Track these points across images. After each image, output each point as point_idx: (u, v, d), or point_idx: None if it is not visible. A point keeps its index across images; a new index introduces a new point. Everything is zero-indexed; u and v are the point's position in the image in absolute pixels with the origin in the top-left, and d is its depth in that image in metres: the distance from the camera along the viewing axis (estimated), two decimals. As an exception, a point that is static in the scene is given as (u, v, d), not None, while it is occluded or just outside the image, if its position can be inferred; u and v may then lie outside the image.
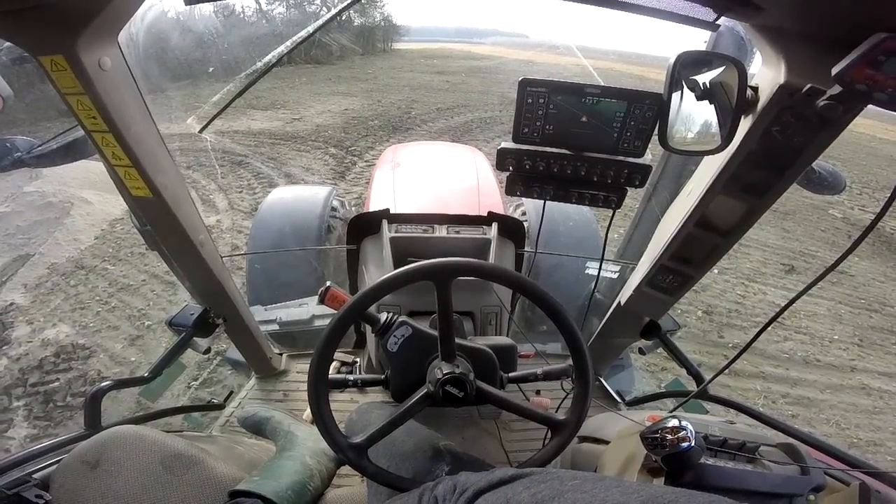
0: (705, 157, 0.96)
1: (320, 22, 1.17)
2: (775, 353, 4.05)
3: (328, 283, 1.05)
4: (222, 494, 1.02)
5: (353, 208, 3.37)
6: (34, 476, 1.13)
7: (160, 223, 1.13)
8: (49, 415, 3.49)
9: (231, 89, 1.20)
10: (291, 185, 5.15)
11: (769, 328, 0.87)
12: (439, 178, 2.74)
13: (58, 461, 1.22)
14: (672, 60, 0.75)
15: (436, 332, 0.87)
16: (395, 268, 1.36)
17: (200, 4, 0.83)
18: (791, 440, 0.87)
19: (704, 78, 0.79)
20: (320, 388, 0.82)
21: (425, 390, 0.84)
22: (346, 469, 1.12)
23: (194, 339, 1.56)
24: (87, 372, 3.81)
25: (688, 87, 0.79)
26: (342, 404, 1.79)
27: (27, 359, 3.96)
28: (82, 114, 0.83)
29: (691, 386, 1.47)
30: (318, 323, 2.23)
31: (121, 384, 1.40)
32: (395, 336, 0.89)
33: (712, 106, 0.80)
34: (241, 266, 3.09)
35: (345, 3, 1.21)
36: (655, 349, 1.55)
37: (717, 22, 0.88)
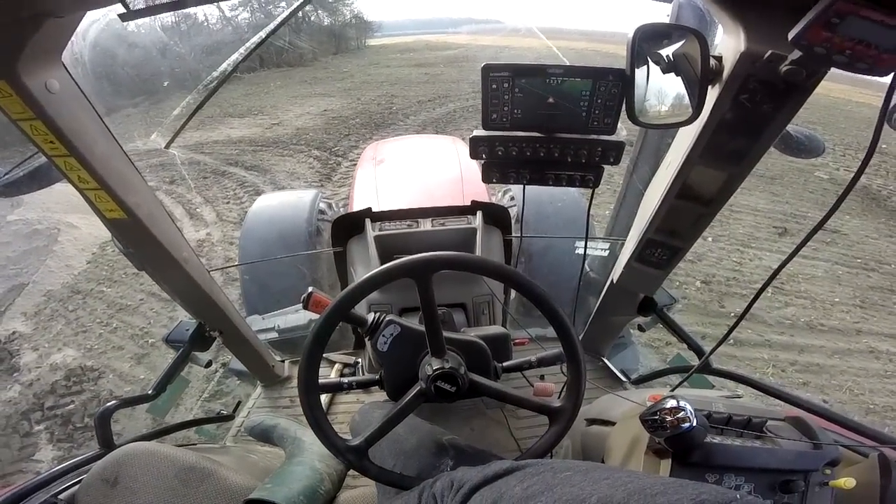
0: (680, 129, 0.95)
1: (273, 25, 1.15)
2: (778, 319, 4.04)
3: (310, 289, 1.04)
4: (237, 503, 1.05)
5: (341, 209, 3.33)
6: (60, 497, 1.15)
7: (139, 243, 1.11)
8: (70, 436, 3.54)
9: (191, 101, 1.17)
10: (276, 192, 5.13)
11: (768, 293, 0.86)
12: (422, 171, 2.71)
13: (79, 481, 1.26)
14: (631, 35, 0.74)
15: (421, 329, 0.87)
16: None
17: (140, 19, 0.80)
18: (800, 412, 0.85)
19: (667, 51, 0.78)
20: (311, 394, 0.82)
21: (419, 387, 0.84)
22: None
23: (194, 353, 1.55)
24: (99, 392, 3.84)
25: (652, 61, 0.78)
26: (349, 405, 1.79)
27: (39, 384, 3.99)
28: (39, 139, 0.81)
29: (694, 361, 1.46)
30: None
31: (127, 403, 1.39)
32: (383, 335, 0.89)
33: (679, 78, 0.79)
34: (236, 278, 3.08)
35: (295, 5, 1.18)
36: (654, 325, 1.55)
37: (673, -6, 0.86)
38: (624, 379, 1.80)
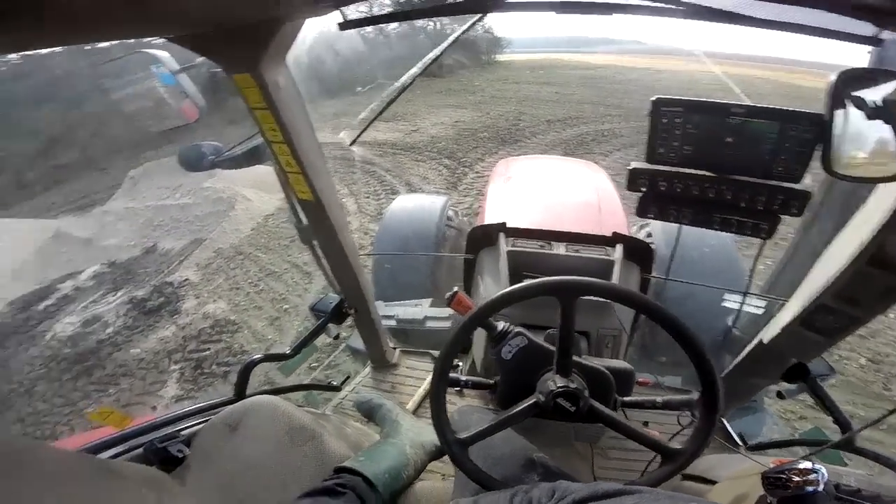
0: (880, 185, 0.84)
1: (447, 42, 1.26)
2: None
3: (455, 288, 1.09)
4: (329, 469, 1.14)
5: (465, 218, 3.47)
6: (182, 433, 1.39)
7: (317, 222, 1.30)
8: (195, 380, 4.23)
9: (374, 107, 1.34)
10: (413, 194, 5.53)
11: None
12: (555, 193, 2.68)
13: (203, 422, 1.47)
14: (832, 79, 0.68)
15: (550, 346, 0.87)
16: (511, 281, 1.33)
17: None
18: None
19: (874, 95, 0.69)
20: (441, 386, 0.87)
21: (534, 400, 0.84)
22: (432, 465, 1.19)
23: (329, 324, 1.73)
24: (232, 345, 4.54)
25: (854, 106, 0.71)
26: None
27: (189, 328, 4.87)
28: (265, 126, 1.00)
29: (834, 438, 1.26)
30: (429, 324, 2.30)
31: (268, 358, 1.61)
32: (509, 345, 0.90)
33: (888, 126, 0.70)
34: (366, 264, 3.42)
35: (468, 23, 1.29)
36: (798, 394, 1.36)
37: (881, 36, 0.77)
38: (740, 443, 1.62)
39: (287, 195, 1.48)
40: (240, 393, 1.55)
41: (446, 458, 0.95)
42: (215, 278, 5.63)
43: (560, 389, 0.80)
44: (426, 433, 1.18)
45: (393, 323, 2.34)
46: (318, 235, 1.38)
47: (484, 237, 1.69)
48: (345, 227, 1.37)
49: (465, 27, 1.55)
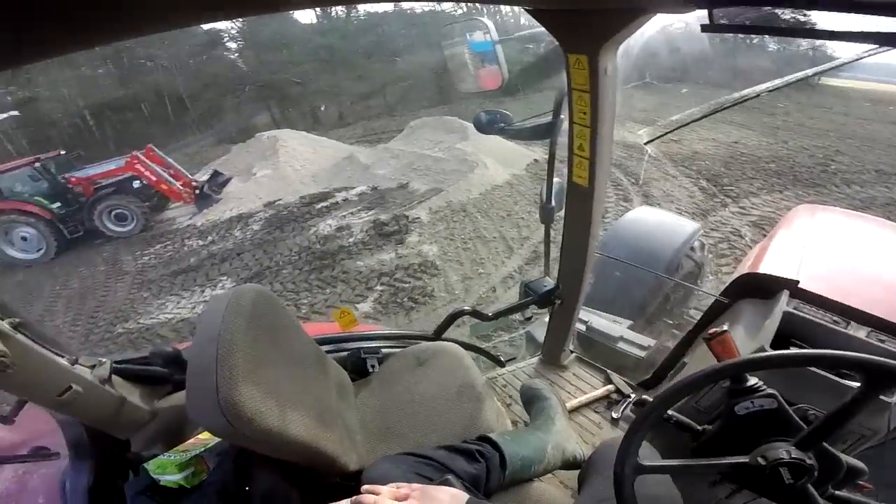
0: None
1: (827, 67, 0.98)
2: None
3: (725, 328, 0.95)
4: (472, 432, 1.20)
5: (709, 255, 3.03)
6: (381, 350, 1.58)
7: (577, 208, 1.27)
8: (387, 305, 4.86)
9: (693, 113, 1.19)
10: (657, 209, 5.05)
11: None
12: (872, 264, 1.98)
13: (400, 347, 1.65)
14: None
15: (799, 420, 0.81)
16: (774, 345, 1.16)
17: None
18: None
19: None
20: (658, 409, 0.82)
21: (745, 460, 0.79)
22: (558, 471, 1.21)
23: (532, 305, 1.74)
24: (426, 287, 5.05)
25: None
26: (588, 423, 1.69)
27: (404, 259, 5.64)
28: (577, 107, 1.01)
29: None
30: (620, 345, 2.17)
31: (473, 314, 1.70)
32: (752, 402, 0.84)
33: None
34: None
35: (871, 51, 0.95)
36: None
37: None
38: None
39: (549, 173, 1.50)
40: (439, 333, 1.70)
41: (573, 472, 0.99)
42: (438, 225, 6.41)
43: (792, 460, 0.76)
44: (571, 441, 1.24)
45: (583, 328, 2.26)
46: (569, 221, 1.36)
47: (758, 287, 1.40)
48: (599, 221, 1.31)
49: (862, 55, 1.21)
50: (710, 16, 0.78)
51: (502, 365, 2.04)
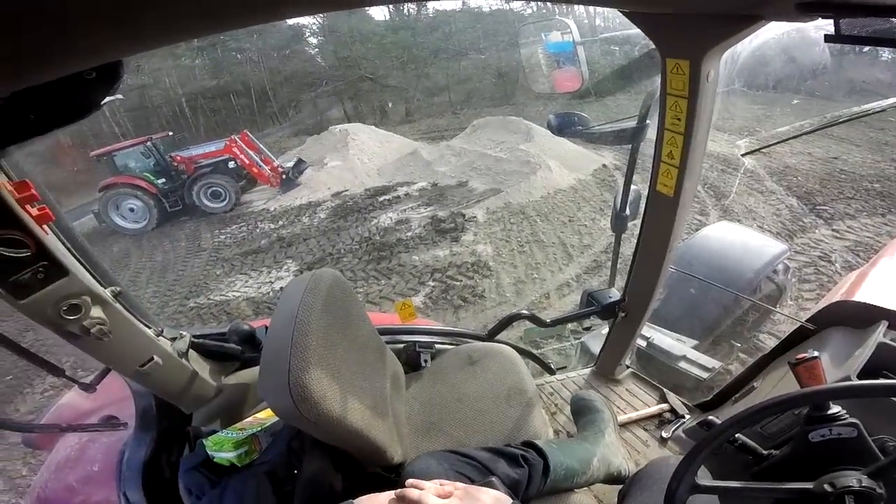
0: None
1: None
2: None
3: (815, 353, 0.89)
4: (516, 437, 1.20)
5: (792, 279, 2.77)
6: (435, 346, 1.58)
7: (658, 218, 1.21)
8: (436, 301, 4.94)
9: (799, 127, 1.09)
10: (738, 225, 4.71)
11: None
12: None
13: (452, 344, 1.66)
14: None
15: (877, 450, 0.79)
16: (862, 376, 1.10)
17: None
18: None
19: None
20: (734, 430, 0.80)
21: (810, 486, 0.78)
22: (598, 486, 1.20)
23: (593, 316, 1.69)
24: (476, 287, 5.05)
25: None
26: (634, 440, 1.63)
27: (457, 257, 5.68)
28: (671, 113, 0.95)
29: None
30: (682, 364, 2.11)
31: (532, 318, 1.69)
32: (829, 430, 0.82)
33: None
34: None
35: None
36: None
37: None
38: None
39: (627, 180, 1.44)
40: (493, 334, 1.69)
41: (615, 487, 0.99)
42: (495, 226, 6.38)
43: (862, 489, 0.74)
44: (618, 456, 1.23)
45: (643, 343, 2.20)
46: (647, 232, 1.29)
47: (851, 315, 1.28)
48: (680, 235, 1.24)
49: None
50: (837, 26, 0.72)
51: (552, 373, 2.01)
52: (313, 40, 19.63)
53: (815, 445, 0.83)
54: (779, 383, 1.29)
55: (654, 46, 0.94)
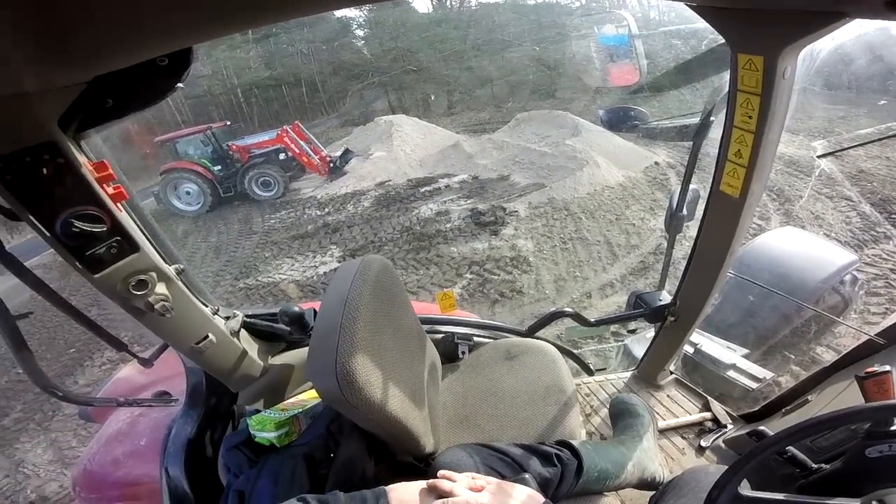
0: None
1: None
2: None
3: (887, 368, 0.85)
4: (550, 435, 1.19)
5: (860, 291, 2.58)
6: (473, 338, 1.59)
7: (720, 220, 1.17)
8: (473, 294, 4.94)
9: (885, 129, 1.01)
10: (804, 231, 4.43)
11: None
12: None
13: (493, 338, 1.64)
14: None
15: None
16: None
17: None
18: None
19: None
20: (788, 442, 0.78)
21: (857, 503, 0.75)
22: (628, 491, 1.18)
23: (640, 318, 1.64)
24: (515, 282, 5.00)
25: None
26: (671, 447, 1.59)
27: (496, 251, 5.66)
28: (741, 111, 0.91)
29: None
30: (730, 373, 2.04)
31: (575, 317, 1.67)
32: (888, 447, 0.79)
33: None
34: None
35: None
36: None
37: None
38: None
39: (686, 179, 1.39)
40: (533, 331, 1.69)
41: (645, 493, 0.99)
42: (536, 221, 6.29)
43: None
44: (654, 462, 1.20)
45: (690, 349, 2.14)
46: (706, 234, 1.24)
47: None
48: (742, 238, 1.19)
49: None
50: None
51: (591, 373, 1.97)
52: (360, 33, 19.97)
53: (871, 461, 0.81)
54: (837, 397, 1.22)
55: (722, 41, 0.91)
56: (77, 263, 0.75)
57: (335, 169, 9.77)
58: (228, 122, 11.56)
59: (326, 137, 13.98)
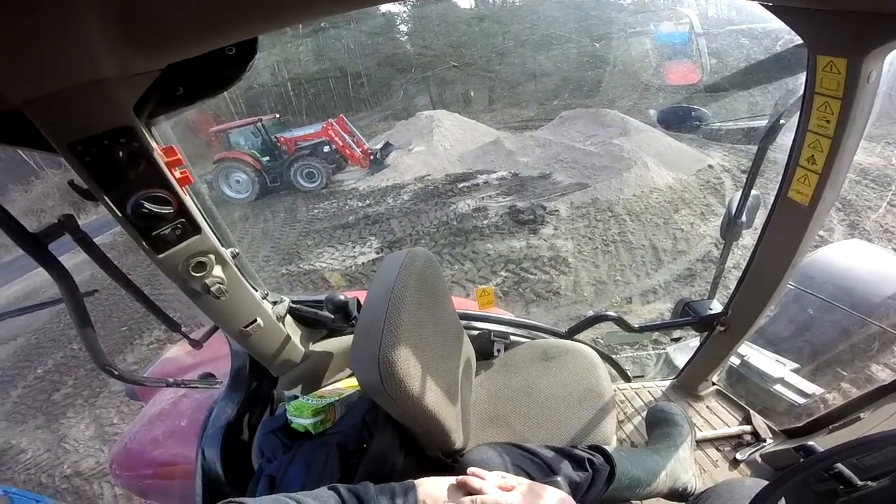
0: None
1: None
2: None
3: None
4: (583, 440, 1.19)
5: None
6: (511, 337, 1.58)
7: (786, 229, 1.11)
8: (507, 292, 4.89)
9: None
10: (871, 244, 4.15)
11: None
12: None
13: (530, 338, 1.63)
14: None
15: None
16: None
17: None
18: None
19: None
20: (840, 458, 0.75)
21: None
22: (658, 500, 1.16)
23: (686, 326, 1.60)
24: (552, 283, 4.93)
25: None
26: (704, 459, 1.53)
27: (533, 250, 5.58)
28: (818, 114, 0.87)
29: None
30: (778, 387, 1.98)
31: (618, 321, 1.63)
32: None
33: None
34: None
35: None
36: None
37: None
38: None
39: (749, 183, 1.33)
40: (573, 333, 1.67)
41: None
42: (578, 221, 6.15)
43: None
44: (688, 472, 1.18)
45: (736, 361, 2.08)
46: (768, 242, 1.18)
47: None
48: (806, 249, 1.13)
49: None
50: None
51: (628, 380, 1.94)
52: (403, 28, 20.15)
53: None
54: (893, 416, 1.15)
55: (798, 42, 0.87)
56: (143, 243, 0.79)
57: (376, 162, 10.01)
58: (278, 115, 12.11)
59: (370, 130, 14.26)
